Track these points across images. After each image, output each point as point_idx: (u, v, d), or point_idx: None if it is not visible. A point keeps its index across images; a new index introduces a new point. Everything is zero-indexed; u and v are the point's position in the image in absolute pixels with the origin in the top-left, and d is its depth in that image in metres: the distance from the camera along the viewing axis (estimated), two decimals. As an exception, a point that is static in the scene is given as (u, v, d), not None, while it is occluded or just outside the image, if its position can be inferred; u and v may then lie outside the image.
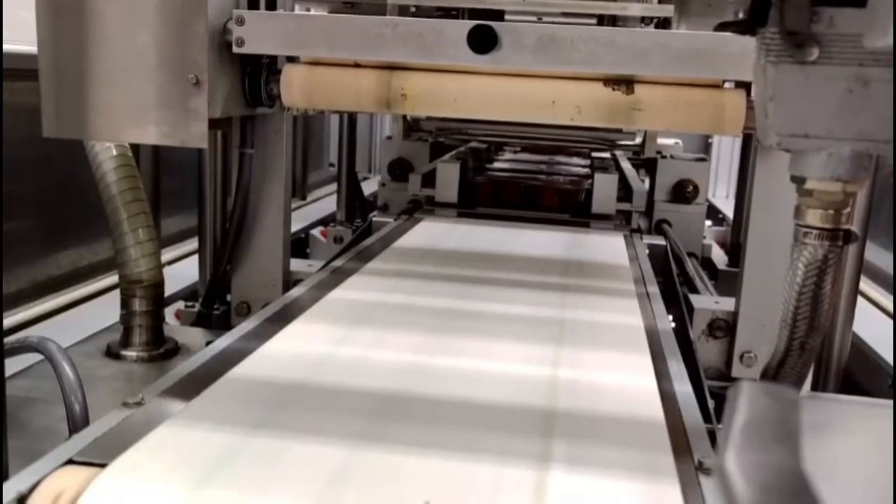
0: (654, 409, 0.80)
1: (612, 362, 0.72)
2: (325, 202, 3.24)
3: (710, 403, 1.09)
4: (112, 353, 1.40)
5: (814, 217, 0.74)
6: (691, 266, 1.97)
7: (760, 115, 0.74)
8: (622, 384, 0.69)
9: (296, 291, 1.21)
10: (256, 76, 1.31)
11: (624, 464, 0.67)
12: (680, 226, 2.25)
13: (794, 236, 0.75)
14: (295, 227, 2.41)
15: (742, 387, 0.38)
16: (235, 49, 1.22)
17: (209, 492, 0.60)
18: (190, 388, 0.80)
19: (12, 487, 0.59)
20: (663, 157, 2.49)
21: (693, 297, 1.56)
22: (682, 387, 0.87)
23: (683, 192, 2.47)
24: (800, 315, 0.77)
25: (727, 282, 2.25)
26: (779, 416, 0.35)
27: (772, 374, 0.83)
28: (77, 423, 1.01)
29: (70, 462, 0.64)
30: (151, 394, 0.78)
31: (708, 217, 2.96)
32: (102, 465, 0.62)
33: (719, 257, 2.80)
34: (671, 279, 1.59)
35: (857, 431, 0.54)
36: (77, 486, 0.58)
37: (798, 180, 0.74)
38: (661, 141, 2.68)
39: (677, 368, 0.92)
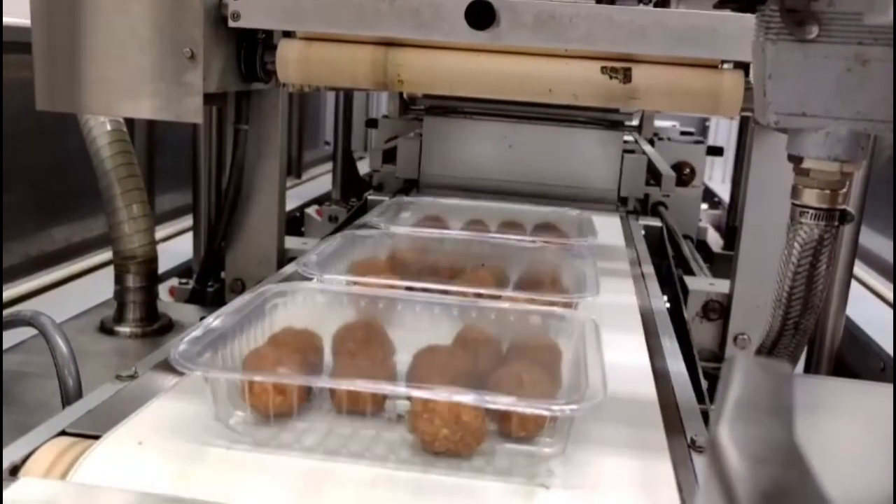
0: (646, 387, 0.80)
1: (606, 340, 0.72)
2: (320, 181, 3.23)
3: (704, 384, 1.09)
4: (106, 329, 1.40)
5: (810, 197, 0.74)
6: (687, 248, 1.97)
7: (758, 93, 0.74)
8: (615, 362, 0.69)
9: (290, 268, 1.21)
10: (252, 51, 1.30)
11: (616, 440, 0.67)
12: (676, 208, 2.25)
13: (790, 216, 0.75)
14: (290, 206, 2.41)
15: (737, 361, 0.38)
16: (231, 23, 1.21)
17: (202, 465, 0.60)
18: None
19: (5, 458, 0.59)
20: (660, 139, 2.49)
21: (688, 279, 1.57)
22: (676, 365, 0.87)
23: (680, 175, 2.47)
24: (795, 295, 0.77)
25: (722, 265, 2.25)
26: (773, 389, 0.35)
27: (765, 353, 0.83)
28: (70, 396, 1.00)
29: (63, 433, 0.64)
30: (145, 367, 0.78)
31: (704, 200, 2.97)
32: (96, 437, 0.62)
33: (715, 240, 2.80)
34: (667, 261, 1.59)
35: (848, 411, 0.54)
36: (70, 457, 0.58)
37: (795, 160, 0.74)
38: (658, 123, 2.68)
39: (671, 347, 0.92)
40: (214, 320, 0.73)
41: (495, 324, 0.80)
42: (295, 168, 3.27)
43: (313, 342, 0.75)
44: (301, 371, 0.68)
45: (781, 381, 0.35)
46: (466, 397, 0.60)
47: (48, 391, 1.09)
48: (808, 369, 1.55)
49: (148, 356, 0.83)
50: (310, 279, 0.94)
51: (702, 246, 2.57)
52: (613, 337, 0.82)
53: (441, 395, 0.60)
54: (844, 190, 0.74)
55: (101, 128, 1.35)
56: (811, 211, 0.74)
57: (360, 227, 1.35)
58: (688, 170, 2.48)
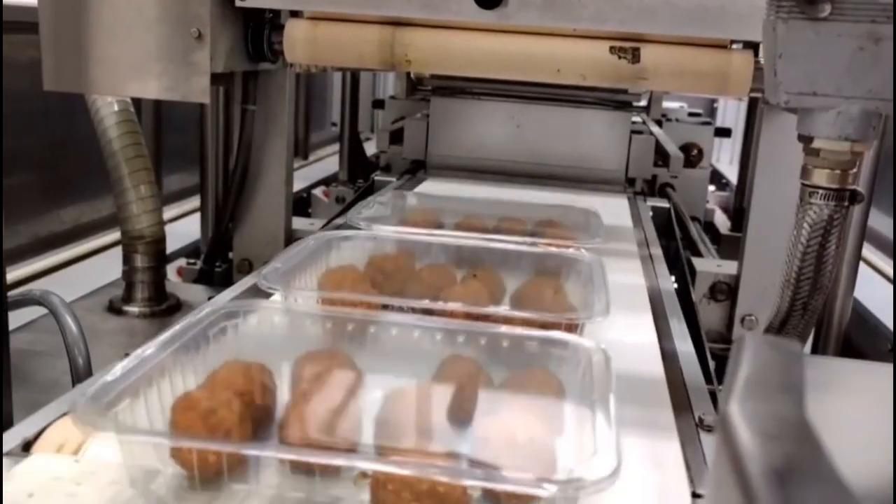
0: (655, 366, 0.80)
1: (614, 320, 0.73)
2: (327, 162, 3.23)
3: (712, 364, 1.10)
4: (114, 309, 1.41)
5: (820, 177, 0.73)
6: (694, 230, 1.97)
7: (769, 72, 0.73)
8: (623, 341, 0.69)
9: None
10: (259, 31, 1.29)
11: (624, 419, 0.67)
12: (683, 189, 2.24)
13: (799, 196, 0.75)
14: (297, 187, 2.41)
15: (747, 340, 0.38)
16: (238, 3, 1.20)
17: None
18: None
19: (18, 433, 0.59)
20: (668, 120, 2.48)
21: (696, 260, 1.56)
22: (684, 346, 0.87)
23: (688, 156, 2.46)
24: (803, 275, 0.77)
25: (729, 246, 2.25)
26: (782, 367, 0.35)
27: (774, 333, 0.83)
28: (80, 375, 1.01)
29: (74, 411, 0.64)
30: (154, 346, 0.78)
31: (711, 182, 2.96)
32: (106, 415, 0.62)
33: (722, 222, 2.80)
34: (674, 242, 1.59)
35: (855, 391, 0.54)
36: (81, 434, 0.59)
37: (805, 139, 0.73)
38: (665, 104, 2.67)
39: (679, 328, 0.92)
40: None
41: (486, 351, 0.69)
42: (301, 149, 3.26)
43: (262, 380, 0.63)
44: (240, 424, 0.55)
45: (791, 358, 0.35)
46: (441, 470, 0.49)
47: (59, 370, 1.10)
48: (816, 350, 1.55)
49: (157, 337, 0.83)
50: (270, 294, 0.82)
51: (709, 227, 2.57)
52: (621, 317, 0.82)
53: (408, 468, 0.49)
54: (855, 170, 0.74)
55: (108, 108, 1.35)
56: (821, 191, 0.74)
57: (339, 228, 1.27)
58: (695, 151, 2.48)
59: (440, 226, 1.18)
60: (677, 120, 2.51)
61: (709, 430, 0.69)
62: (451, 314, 0.78)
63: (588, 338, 0.70)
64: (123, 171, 1.36)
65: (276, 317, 0.73)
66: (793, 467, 0.26)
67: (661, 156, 1.93)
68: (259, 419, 0.60)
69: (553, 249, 1.01)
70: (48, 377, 1.15)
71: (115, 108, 1.35)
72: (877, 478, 0.43)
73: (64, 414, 0.63)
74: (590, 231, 1.15)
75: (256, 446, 0.55)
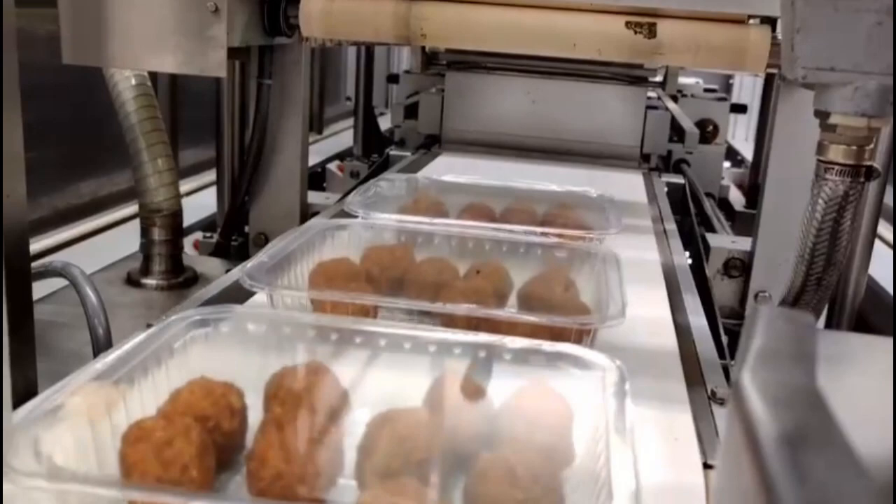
0: (668, 340, 0.81)
1: (628, 295, 0.73)
2: (341, 137, 3.23)
3: (725, 339, 1.10)
4: (133, 281, 1.42)
5: (836, 153, 0.73)
6: (709, 206, 1.97)
7: (786, 47, 0.73)
8: (637, 315, 0.70)
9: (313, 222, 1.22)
10: (275, 5, 1.29)
11: (637, 392, 0.67)
12: (699, 166, 2.23)
13: (815, 172, 0.75)
14: (311, 162, 2.42)
15: (761, 311, 0.38)
16: (254, -23, 1.21)
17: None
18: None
19: (45, 402, 0.61)
20: (683, 95, 2.46)
21: (710, 236, 1.57)
22: (697, 320, 0.88)
23: (703, 132, 2.45)
24: (818, 251, 0.77)
25: (744, 223, 2.24)
26: (795, 338, 0.36)
27: (787, 308, 0.83)
28: (100, 346, 1.03)
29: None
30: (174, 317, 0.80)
31: (726, 158, 2.94)
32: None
33: (737, 199, 2.79)
34: (689, 218, 1.59)
35: (869, 365, 0.54)
36: (106, 400, 0.60)
37: (822, 115, 0.73)
38: (681, 80, 2.65)
39: (692, 303, 0.93)
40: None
41: (486, 364, 0.61)
42: (316, 123, 3.27)
43: (229, 402, 0.55)
44: (199, 457, 0.49)
45: (804, 330, 0.36)
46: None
47: (80, 341, 1.11)
48: (829, 326, 1.55)
49: (176, 307, 0.85)
50: (254, 293, 0.77)
51: (724, 204, 2.56)
52: (636, 292, 0.83)
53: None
54: (871, 146, 0.74)
55: (126, 82, 1.36)
56: (836, 167, 0.74)
57: (335, 217, 1.19)
58: (711, 127, 2.46)
59: (444, 213, 1.10)
60: (693, 96, 2.49)
61: (721, 402, 0.70)
62: (451, 319, 0.72)
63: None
64: (141, 144, 1.37)
65: (250, 324, 0.64)
66: (803, 434, 0.27)
67: (677, 131, 1.92)
68: (225, 448, 0.54)
69: (564, 241, 0.93)
70: (70, 348, 1.17)
71: (133, 82, 1.36)
72: (885, 451, 0.43)
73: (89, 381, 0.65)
74: (605, 219, 1.06)
75: (194, 498, 0.46)
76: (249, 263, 0.77)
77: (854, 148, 0.73)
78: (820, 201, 0.75)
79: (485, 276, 0.83)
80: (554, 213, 1.11)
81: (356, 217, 1.00)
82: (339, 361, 0.62)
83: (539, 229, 0.99)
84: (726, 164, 3.04)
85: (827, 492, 0.23)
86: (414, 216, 1.02)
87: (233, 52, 1.22)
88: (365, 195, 1.12)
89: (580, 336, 0.68)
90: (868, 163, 0.74)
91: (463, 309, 0.71)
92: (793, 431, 0.27)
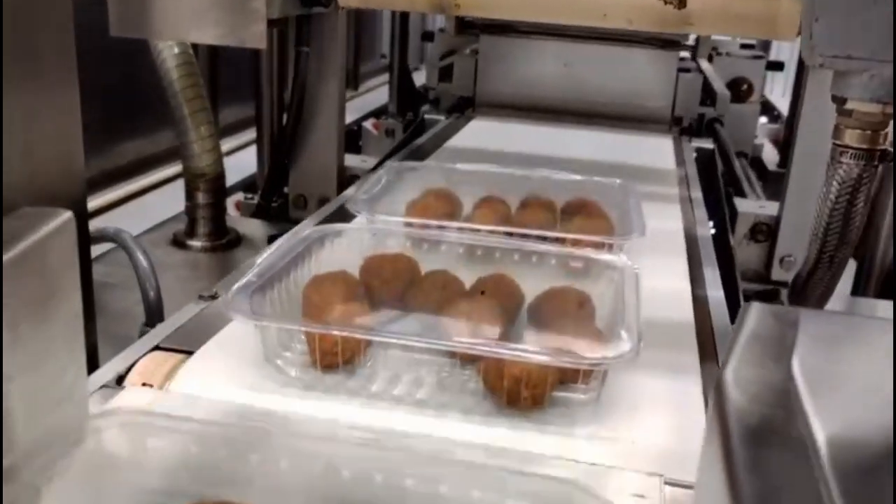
0: (685, 312, 0.85)
1: (648, 265, 0.77)
2: (377, 93, 3.26)
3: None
4: (178, 243, 1.49)
5: (851, 137, 0.76)
6: (739, 167, 1.98)
7: (805, 34, 0.75)
8: (655, 286, 0.74)
9: (351, 192, 1.27)
10: (313, -24, 1.33)
11: (649, 361, 0.67)
12: (732, 125, 2.24)
13: (830, 155, 0.78)
14: (347, 120, 2.46)
15: (751, 307, 0.43)
16: (293, -51, 1.24)
17: (275, 382, 0.67)
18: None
19: (111, 369, 0.67)
20: (719, 54, 2.45)
21: (738, 201, 1.59)
22: (715, 292, 0.92)
23: (738, 91, 2.44)
24: (831, 230, 0.80)
25: (776, 183, 2.25)
26: (779, 336, 0.40)
27: (801, 284, 0.87)
28: (152, 307, 1.10)
29: (157, 348, 0.72)
30: (224, 288, 0.86)
31: (763, 113, 2.93)
32: (188, 353, 0.70)
33: (772, 157, 2.78)
34: (717, 182, 1.61)
35: (865, 345, 0.58)
36: (167, 368, 0.67)
37: (838, 100, 0.76)
38: (716, 36, 2.63)
39: (712, 274, 0.97)
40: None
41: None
42: (351, 80, 3.30)
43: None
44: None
45: (787, 328, 0.40)
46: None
47: (130, 301, 1.18)
48: (857, 291, 1.57)
49: (225, 278, 0.90)
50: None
51: (756, 163, 2.56)
52: (655, 261, 0.87)
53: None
54: (886, 130, 0.76)
55: (169, 51, 1.41)
56: (851, 150, 0.77)
57: (333, 215, 1.14)
58: (745, 86, 2.45)
59: (457, 206, 1.03)
60: (728, 54, 2.48)
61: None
62: (449, 351, 0.68)
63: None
64: (185, 111, 1.42)
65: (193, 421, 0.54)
66: (768, 428, 0.31)
67: (709, 94, 1.93)
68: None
69: (580, 252, 0.83)
70: (121, 307, 1.24)
71: (176, 50, 1.41)
72: (871, 428, 0.48)
73: (153, 349, 0.71)
74: (628, 219, 0.95)
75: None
76: (234, 288, 0.69)
77: (869, 132, 0.76)
78: (834, 183, 0.78)
79: (492, 293, 0.76)
80: (574, 207, 1.03)
81: (357, 216, 0.95)
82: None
83: (554, 234, 0.90)
84: (763, 118, 3.02)
85: (782, 483, 0.28)
86: (422, 215, 0.96)
87: (272, 23, 1.26)
88: (371, 190, 1.04)
89: (587, 378, 0.65)
90: (882, 147, 0.76)
91: (464, 344, 0.66)
92: (759, 426, 0.31)
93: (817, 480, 0.28)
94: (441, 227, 0.91)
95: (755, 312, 0.42)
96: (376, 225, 0.93)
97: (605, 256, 0.81)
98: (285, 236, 0.84)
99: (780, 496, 0.27)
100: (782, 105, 3.46)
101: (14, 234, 0.47)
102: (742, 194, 1.76)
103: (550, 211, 1.02)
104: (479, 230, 0.90)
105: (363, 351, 0.68)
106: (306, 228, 0.86)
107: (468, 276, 0.79)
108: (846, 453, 0.38)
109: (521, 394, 0.62)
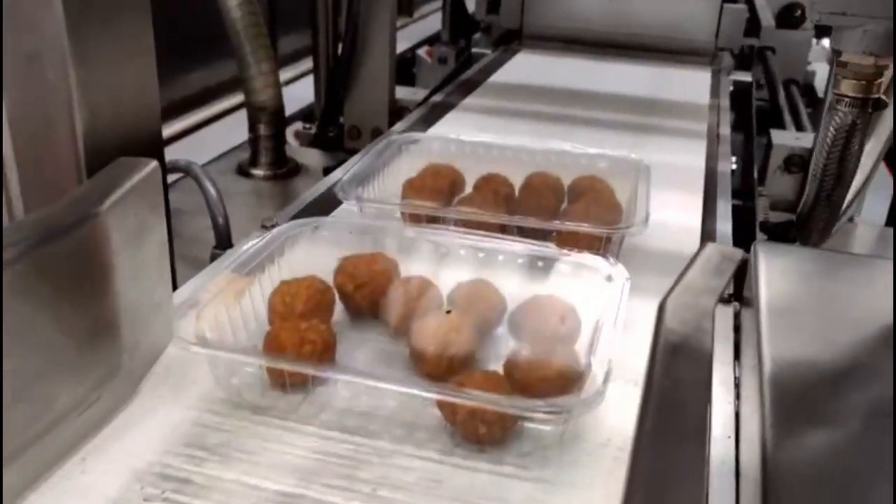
0: (691, 248, 0.93)
1: (664, 201, 0.84)
2: (431, 19, 3.30)
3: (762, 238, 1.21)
4: (242, 171, 1.61)
5: (847, 87, 0.83)
6: (784, 98, 2.00)
7: (808, -9, 0.82)
8: (666, 222, 0.80)
9: (399, 127, 1.37)
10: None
11: (649, 289, 0.65)
12: (783, 52, 2.24)
13: (828, 103, 0.85)
14: (401, 47, 2.53)
15: (705, 248, 0.52)
16: None
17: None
18: (313, 213, 0.98)
19: (187, 288, 0.80)
20: (772, -21, 2.43)
21: (774, 133, 1.64)
22: (724, 226, 0.99)
23: (790, 17, 2.43)
24: (828, 171, 0.88)
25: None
26: (717, 271, 0.50)
27: (803, 220, 0.95)
28: (221, 233, 1.22)
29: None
30: (283, 218, 0.97)
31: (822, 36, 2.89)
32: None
33: (823, 84, 2.76)
34: (749, 115, 1.66)
35: (835, 279, 0.67)
36: (237, 287, 0.78)
37: (836, 53, 0.83)
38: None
39: (724, 209, 1.04)
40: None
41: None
42: (406, 5, 3.34)
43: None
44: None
45: (727, 264, 0.50)
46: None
47: (200, 226, 1.31)
48: (891, 222, 1.62)
49: (285, 209, 1.02)
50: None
51: (808, 90, 2.56)
52: (672, 200, 0.94)
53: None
54: (880, 80, 0.83)
55: (230, -12, 1.50)
56: (847, 99, 0.84)
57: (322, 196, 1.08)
58: (799, 11, 2.44)
59: (455, 187, 0.96)
60: (782, -21, 2.46)
61: (727, 301, 0.83)
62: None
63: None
64: (246, 48, 1.52)
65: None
66: (678, 346, 0.42)
67: (756, 24, 1.95)
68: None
69: (571, 256, 0.74)
70: (192, 232, 1.36)
71: (237, -12, 1.50)
72: (822, 349, 0.57)
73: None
74: (633, 206, 0.86)
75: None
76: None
77: (863, 83, 0.82)
78: (831, 128, 0.86)
79: (468, 303, 0.71)
80: (581, 187, 0.95)
81: (344, 202, 0.89)
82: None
83: (549, 227, 0.84)
84: (825, 40, 2.98)
85: (679, 378, 0.38)
86: (418, 195, 0.92)
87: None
88: (364, 181, 0.96)
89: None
90: (875, 96, 0.83)
91: (411, 388, 0.60)
92: (673, 344, 0.41)
93: (710, 380, 0.39)
94: (432, 219, 0.86)
95: (707, 250, 0.51)
96: (363, 211, 0.89)
97: (595, 262, 0.71)
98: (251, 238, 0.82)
99: (678, 390, 0.37)
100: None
101: (114, 182, 0.59)
102: (782, 126, 1.80)
103: (555, 191, 0.95)
104: (470, 221, 0.84)
105: (312, 380, 0.65)
106: (284, 221, 0.87)
107: (451, 276, 0.75)
108: (788, 370, 0.48)
109: (478, 429, 0.58)
